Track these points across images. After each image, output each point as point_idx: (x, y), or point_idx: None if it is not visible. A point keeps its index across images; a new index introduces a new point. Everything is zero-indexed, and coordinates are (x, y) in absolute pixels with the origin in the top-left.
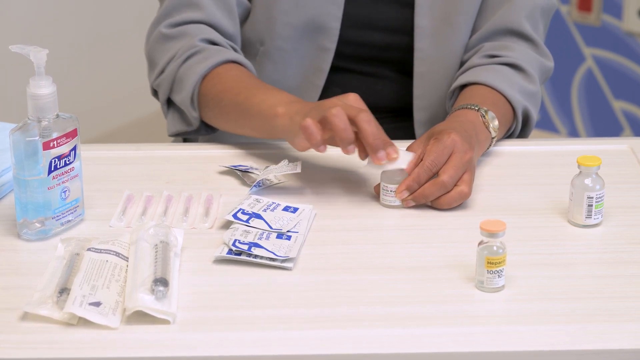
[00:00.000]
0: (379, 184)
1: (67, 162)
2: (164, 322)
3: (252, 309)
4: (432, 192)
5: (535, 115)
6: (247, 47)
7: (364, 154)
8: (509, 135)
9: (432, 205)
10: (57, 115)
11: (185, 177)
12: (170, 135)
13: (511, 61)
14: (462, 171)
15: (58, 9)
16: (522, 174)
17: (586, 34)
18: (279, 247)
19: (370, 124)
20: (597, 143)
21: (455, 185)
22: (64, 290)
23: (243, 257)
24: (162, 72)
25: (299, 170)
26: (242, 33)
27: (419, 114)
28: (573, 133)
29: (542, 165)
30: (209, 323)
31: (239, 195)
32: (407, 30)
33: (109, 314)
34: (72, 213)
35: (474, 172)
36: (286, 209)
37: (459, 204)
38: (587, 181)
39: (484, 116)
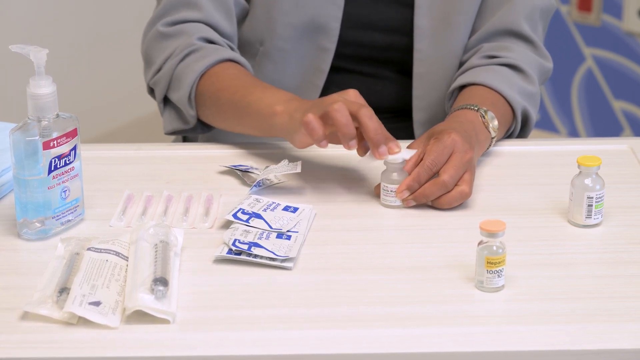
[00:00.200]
0: (379, 185)
1: (67, 162)
2: (164, 321)
3: (252, 308)
4: (433, 192)
5: (534, 115)
6: (247, 47)
7: (362, 151)
8: (508, 135)
9: (433, 205)
10: (57, 115)
11: (186, 177)
12: (167, 133)
13: (510, 62)
14: (462, 171)
15: (58, 9)
16: (522, 174)
17: (586, 34)
18: (279, 247)
19: (371, 119)
20: (597, 143)
21: (455, 185)
22: (63, 290)
23: (243, 257)
24: (159, 70)
25: (299, 170)
26: (242, 33)
27: (419, 114)
28: (573, 133)
29: (542, 165)
30: (209, 323)
31: (239, 195)
32: (407, 30)
33: (109, 313)
34: (72, 213)
35: (474, 172)
36: (286, 208)
37: (459, 204)
38: (587, 181)
39: (483, 116)
